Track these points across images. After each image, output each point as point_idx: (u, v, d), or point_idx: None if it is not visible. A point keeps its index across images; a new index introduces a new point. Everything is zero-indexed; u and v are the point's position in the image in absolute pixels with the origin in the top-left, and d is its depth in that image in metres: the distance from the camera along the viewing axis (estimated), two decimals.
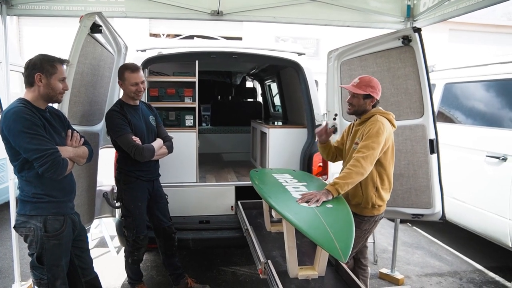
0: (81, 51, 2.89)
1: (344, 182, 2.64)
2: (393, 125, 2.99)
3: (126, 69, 3.21)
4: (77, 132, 2.63)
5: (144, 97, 3.74)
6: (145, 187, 3.38)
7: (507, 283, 4.23)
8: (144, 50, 4.00)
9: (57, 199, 2.45)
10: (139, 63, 3.65)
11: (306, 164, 4.07)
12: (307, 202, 2.51)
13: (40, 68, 2.37)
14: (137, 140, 3.15)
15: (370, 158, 2.74)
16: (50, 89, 2.40)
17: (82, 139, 2.64)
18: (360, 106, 2.98)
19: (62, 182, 2.45)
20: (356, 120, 3.15)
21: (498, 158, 4.09)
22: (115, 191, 3.51)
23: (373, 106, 3.02)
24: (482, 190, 4.36)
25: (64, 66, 2.52)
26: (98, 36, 3.15)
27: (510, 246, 4.01)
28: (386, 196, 3.03)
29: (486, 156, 4.25)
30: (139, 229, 3.36)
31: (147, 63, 3.90)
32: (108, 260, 4.63)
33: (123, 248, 3.61)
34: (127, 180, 3.32)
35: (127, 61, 3.67)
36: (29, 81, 2.38)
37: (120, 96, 3.37)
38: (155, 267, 4.41)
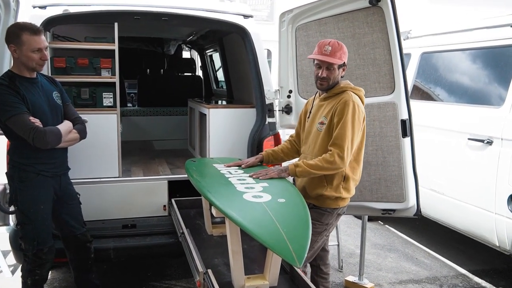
0: None
1: (307, 171, 2.78)
2: (363, 103, 3.08)
3: (24, 30, 3.02)
4: None
5: (46, 70, 3.60)
6: (49, 185, 3.26)
7: None
8: (44, 7, 3.82)
9: None
10: (38, 23, 3.48)
11: (255, 151, 4.09)
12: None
13: None
14: (36, 121, 3.02)
15: (350, 151, 2.86)
16: None
17: None
18: (335, 78, 3.02)
19: None
20: (318, 93, 3.18)
21: (482, 141, 4.27)
22: (8, 191, 3.36)
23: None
24: (464, 180, 4.54)
25: None
26: None
27: (497, 245, 4.19)
28: (354, 187, 3.14)
29: (469, 139, 4.44)
30: (42, 239, 3.24)
31: (49, 23, 3.72)
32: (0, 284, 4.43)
33: (20, 266, 3.46)
34: (24, 177, 3.18)
35: (19, 21, 3.49)
36: None
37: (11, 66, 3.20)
38: None
